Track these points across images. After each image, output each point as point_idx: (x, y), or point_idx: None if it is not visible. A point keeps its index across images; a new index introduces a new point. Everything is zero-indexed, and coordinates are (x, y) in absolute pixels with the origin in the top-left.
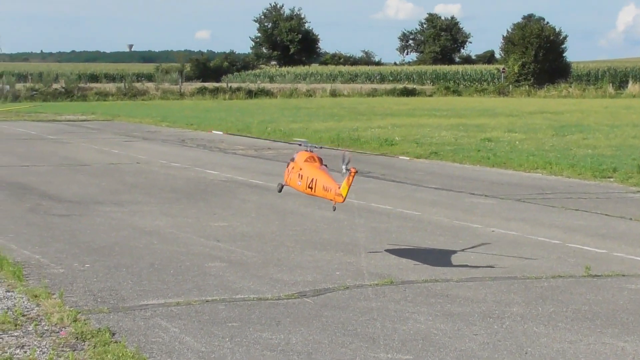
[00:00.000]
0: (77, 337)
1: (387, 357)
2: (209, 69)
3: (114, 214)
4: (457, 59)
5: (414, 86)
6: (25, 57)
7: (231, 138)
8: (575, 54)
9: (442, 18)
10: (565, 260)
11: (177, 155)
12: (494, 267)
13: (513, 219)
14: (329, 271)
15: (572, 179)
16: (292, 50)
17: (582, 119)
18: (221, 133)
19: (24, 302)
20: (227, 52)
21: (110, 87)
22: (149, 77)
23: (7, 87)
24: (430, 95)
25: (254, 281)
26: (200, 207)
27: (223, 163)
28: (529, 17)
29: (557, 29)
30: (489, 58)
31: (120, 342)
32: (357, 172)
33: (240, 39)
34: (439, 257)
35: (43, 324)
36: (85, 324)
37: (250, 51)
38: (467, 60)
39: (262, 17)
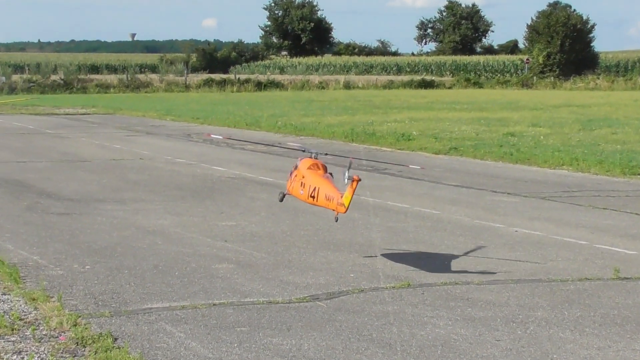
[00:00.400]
0: (77, 343)
1: None
2: (215, 60)
3: (116, 213)
4: (478, 49)
5: (433, 78)
6: (21, 46)
7: (240, 132)
8: (603, 43)
9: (463, 5)
10: (592, 262)
11: (182, 151)
12: (517, 269)
13: (537, 218)
14: (343, 273)
15: (600, 176)
16: (303, 40)
17: (611, 113)
18: (221, 137)
19: (21, 305)
20: (235, 41)
21: (112, 78)
22: (153, 68)
23: (3, 78)
24: (450, 88)
25: (263, 284)
26: (207, 205)
27: (231, 159)
28: (554, 5)
29: (585, 17)
30: (512, 48)
31: (122, 347)
32: (360, 180)
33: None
34: (459, 259)
35: (41, 328)
36: (86, 328)
37: (259, 41)
38: (489, 50)
39: (272, 4)
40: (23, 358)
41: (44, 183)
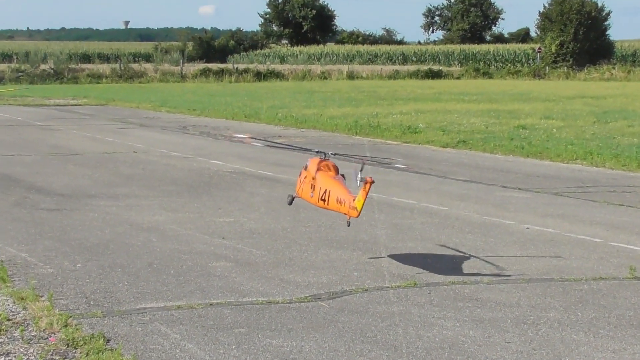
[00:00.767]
0: (67, 344)
1: None
2: (213, 49)
3: (109, 209)
4: (487, 38)
5: (440, 68)
6: (10, 34)
7: (238, 125)
8: (619, 31)
9: None
10: (607, 260)
11: (178, 144)
12: (528, 268)
13: (550, 215)
14: (346, 272)
15: (615, 171)
16: (305, 28)
17: (627, 104)
18: (245, 137)
19: (9, 305)
20: (233, 29)
21: (104, 68)
22: (147, 58)
23: None
24: (458, 78)
25: (263, 283)
26: (204, 201)
27: (229, 152)
28: None
29: (600, 4)
30: (523, 36)
31: (115, 349)
32: (373, 182)
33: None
34: (468, 257)
35: (30, 329)
36: (77, 329)
37: (258, 29)
38: (499, 39)
39: None
40: None
41: (33, 177)
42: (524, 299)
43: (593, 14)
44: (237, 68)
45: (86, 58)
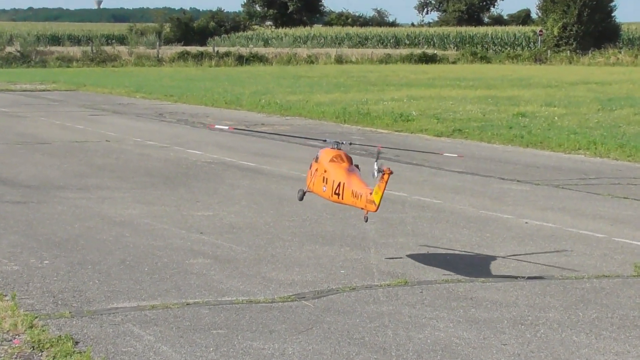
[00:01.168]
0: (33, 347)
1: None
2: (192, 31)
3: (79, 201)
4: (486, 20)
5: (435, 51)
6: None
7: (218, 113)
8: (626, 13)
9: None
10: (611, 257)
11: (153, 132)
12: (527, 265)
13: (550, 209)
14: (333, 269)
15: (620, 162)
16: (290, 9)
17: (634, 91)
18: (226, 128)
19: None
20: (213, 10)
21: (75, 51)
22: (121, 40)
23: None
24: (454, 62)
25: (243, 281)
26: (181, 193)
27: (208, 141)
28: None
29: None
30: (523, 18)
31: (84, 352)
32: (392, 173)
33: None
34: (462, 254)
35: None
36: (44, 330)
37: (241, 9)
38: (498, 20)
39: None
40: None
41: None
42: (522, 298)
43: None
44: (217, 51)
45: (55, 40)
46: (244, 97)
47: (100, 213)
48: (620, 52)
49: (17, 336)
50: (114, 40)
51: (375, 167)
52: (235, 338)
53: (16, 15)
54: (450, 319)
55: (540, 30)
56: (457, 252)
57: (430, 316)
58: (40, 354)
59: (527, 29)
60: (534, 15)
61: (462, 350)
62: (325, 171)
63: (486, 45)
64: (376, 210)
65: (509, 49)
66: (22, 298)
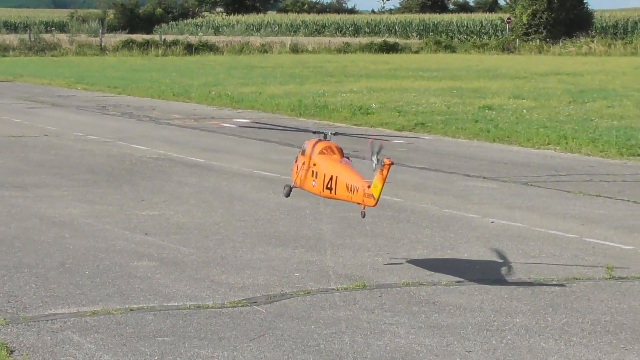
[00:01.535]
0: None
1: None
2: (137, 18)
3: (15, 200)
4: (450, 7)
5: (397, 40)
6: None
7: (167, 105)
8: (599, 0)
9: None
10: (582, 258)
11: (95, 126)
12: (493, 267)
13: (518, 207)
14: (286, 272)
15: (592, 157)
16: None
17: (607, 82)
18: (247, 121)
19: None
20: None
21: (11, 39)
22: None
23: None
24: (417, 52)
25: (191, 285)
26: (125, 191)
27: (154, 136)
28: None
29: None
30: (490, 5)
31: None
32: (392, 163)
33: None
34: (425, 255)
35: None
36: None
37: None
38: (464, 7)
39: None
40: None
41: None
42: (487, 302)
43: None
44: (164, 40)
45: None
46: (193, 89)
47: (38, 213)
48: (592, 41)
49: None
50: (53, 28)
51: (374, 158)
52: (182, 346)
53: None
54: (411, 325)
55: (509, 18)
56: (419, 254)
57: (390, 322)
58: None
59: (494, 16)
60: (501, 2)
61: (423, 358)
62: (314, 164)
63: (451, 34)
64: (375, 205)
65: (475, 37)
66: None
